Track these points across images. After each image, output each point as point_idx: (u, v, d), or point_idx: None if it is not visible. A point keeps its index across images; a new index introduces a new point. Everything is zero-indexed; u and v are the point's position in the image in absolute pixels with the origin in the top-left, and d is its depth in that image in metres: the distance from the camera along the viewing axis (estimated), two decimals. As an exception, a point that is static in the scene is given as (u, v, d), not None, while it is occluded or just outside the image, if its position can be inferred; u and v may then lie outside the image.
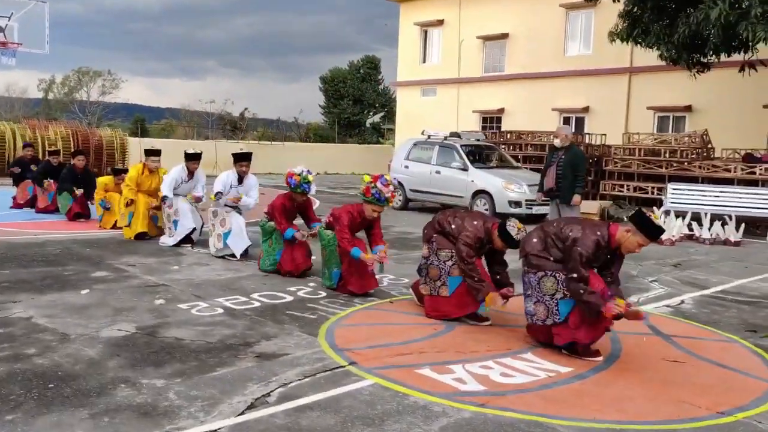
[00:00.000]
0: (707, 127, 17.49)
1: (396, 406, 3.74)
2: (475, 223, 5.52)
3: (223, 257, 8.10)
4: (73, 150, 13.01)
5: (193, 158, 8.91)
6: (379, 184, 6.31)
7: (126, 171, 10.76)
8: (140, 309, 5.64)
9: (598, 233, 4.61)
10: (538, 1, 24.72)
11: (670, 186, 12.67)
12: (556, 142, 8.67)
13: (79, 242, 8.94)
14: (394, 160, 14.90)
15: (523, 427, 3.52)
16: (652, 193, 14.20)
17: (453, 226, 5.60)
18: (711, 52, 14.37)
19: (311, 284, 6.81)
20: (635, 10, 15.94)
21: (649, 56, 21.08)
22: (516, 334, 5.25)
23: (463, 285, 5.45)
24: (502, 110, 25.86)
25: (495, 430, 3.47)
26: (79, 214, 10.99)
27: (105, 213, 10.30)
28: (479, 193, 12.53)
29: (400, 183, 14.02)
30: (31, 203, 12.59)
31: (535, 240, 4.89)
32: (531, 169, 14.41)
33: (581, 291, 4.47)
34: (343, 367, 4.37)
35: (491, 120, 26.53)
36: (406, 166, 14.28)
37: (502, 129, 23.00)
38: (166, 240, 8.92)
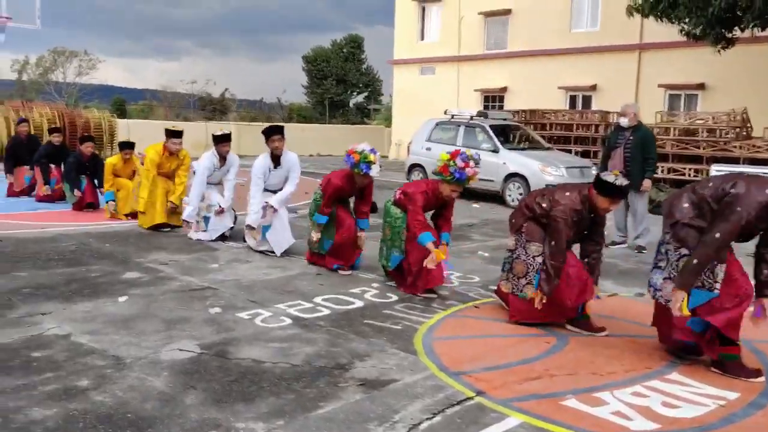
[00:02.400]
0: (722, 106, 16.88)
1: (568, 455, 3.00)
2: (568, 194, 4.80)
3: (262, 252, 7.27)
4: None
5: (223, 140, 7.99)
6: (459, 161, 5.57)
7: (132, 144, 9.86)
8: (196, 320, 4.82)
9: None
10: (542, -24, 23.87)
11: (714, 168, 12.03)
12: (623, 122, 7.90)
13: (94, 236, 8.04)
14: (414, 142, 14.07)
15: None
16: (689, 174, 13.55)
17: (544, 205, 4.87)
18: (744, 27, 13.70)
19: (374, 284, 6.02)
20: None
21: (660, 32, 20.42)
22: (643, 347, 4.52)
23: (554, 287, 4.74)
24: (505, 89, 25.07)
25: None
26: (91, 204, 10.06)
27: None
28: (512, 176, 11.76)
29: (421, 166, 13.28)
30: (29, 191, 11.60)
31: (686, 205, 4.08)
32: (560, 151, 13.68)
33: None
34: (472, 398, 3.60)
35: (493, 99, 25.74)
36: (428, 148, 13.46)
37: (513, 108, 22.22)
38: (199, 235, 8.01)
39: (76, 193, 10.01)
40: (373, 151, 6.19)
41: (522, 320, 4.91)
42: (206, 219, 7.97)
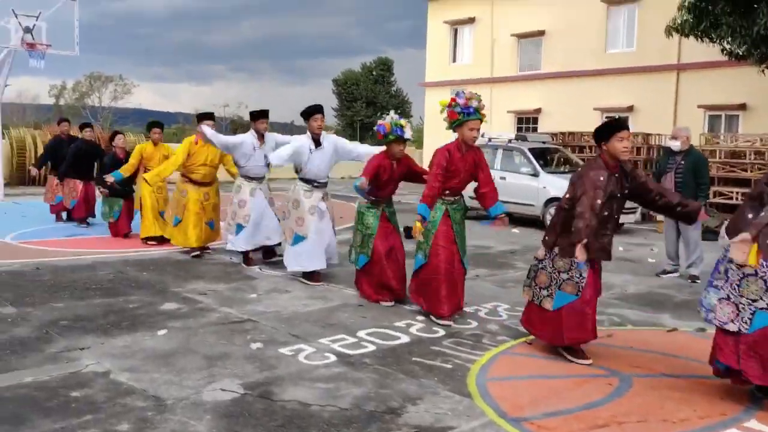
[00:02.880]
0: (764, 127, 16.37)
1: None
2: (592, 174, 4.54)
3: (301, 281, 7.08)
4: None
5: (260, 116, 7.82)
6: (459, 99, 5.45)
7: (161, 124, 9.79)
8: (237, 356, 4.63)
9: None
10: (576, -3, 23.66)
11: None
12: (674, 145, 7.60)
13: (131, 264, 7.94)
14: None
15: None
16: (736, 198, 13.10)
17: (568, 195, 4.68)
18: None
19: (419, 317, 5.78)
20: (701, 3, 14.85)
21: (698, 52, 20.02)
22: (713, 389, 4.20)
23: (572, 306, 4.56)
24: (539, 110, 24.79)
25: None
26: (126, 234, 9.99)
27: (142, 219, 9.32)
28: (553, 200, 11.45)
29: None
30: (62, 209, 11.53)
31: (750, 215, 3.89)
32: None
33: None
34: (537, 448, 3.34)
35: (527, 120, 25.46)
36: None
37: (547, 130, 21.91)
38: (234, 242, 7.84)
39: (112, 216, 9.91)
40: (399, 117, 6.19)
41: (528, 330, 5.00)
42: (239, 227, 7.73)
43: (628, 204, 11.24)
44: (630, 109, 22.57)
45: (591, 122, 22.67)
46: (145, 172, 9.20)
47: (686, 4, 15.29)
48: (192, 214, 8.29)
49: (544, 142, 13.33)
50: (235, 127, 48.50)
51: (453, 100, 5.52)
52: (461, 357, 4.75)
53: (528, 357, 4.85)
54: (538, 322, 4.82)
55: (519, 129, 25.38)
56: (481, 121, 5.57)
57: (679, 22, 15.94)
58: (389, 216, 6.47)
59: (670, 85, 21.82)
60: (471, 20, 26.97)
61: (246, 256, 7.94)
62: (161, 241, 9.22)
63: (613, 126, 4.72)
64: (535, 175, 11.79)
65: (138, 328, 5.29)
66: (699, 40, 15.95)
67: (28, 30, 14.08)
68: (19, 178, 20.56)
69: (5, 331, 5.11)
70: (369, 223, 6.34)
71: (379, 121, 6.24)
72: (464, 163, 5.60)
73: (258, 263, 7.96)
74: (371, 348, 4.90)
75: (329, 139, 7.13)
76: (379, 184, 6.27)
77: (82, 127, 11.59)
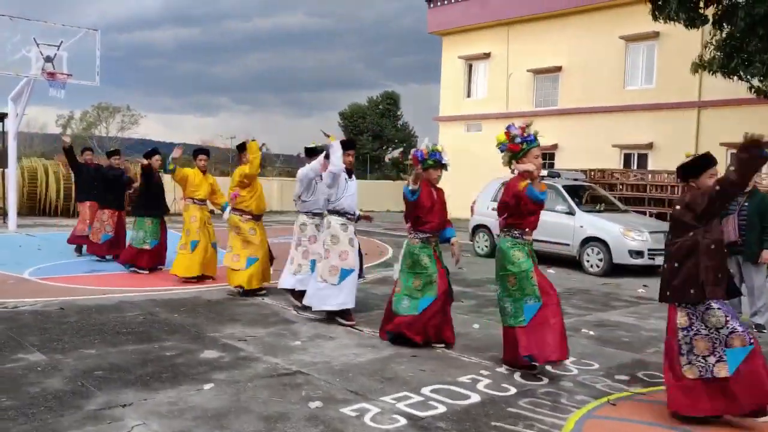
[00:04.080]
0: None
1: None
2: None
3: (339, 321, 6.66)
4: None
5: (313, 153, 7.45)
6: (513, 130, 5.22)
7: (207, 150, 9.44)
8: (296, 417, 4.17)
9: None
10: (594, 33, 23.56)
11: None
12: (737, 187, 7.19)
13: (160, 304, 7.50)
14: (478, 202, 13.47)
15: None
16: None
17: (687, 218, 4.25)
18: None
19: (483, 371, 5.31)
20: (731, 41, 14.63)
21: (720, 89, 19.79)
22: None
23: (754, 360, 4.02)
24: (555, 146, 24.57)
25: None
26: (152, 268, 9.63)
27: (181, 254, 8.85)
28: (590, 240, 11.05)
29: (486, 227, 12.65)
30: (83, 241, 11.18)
31: None
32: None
33: None
34: None
35: (543, 156, 25.01)
36: (494, 209, 12.79)
37: (563, 166, 21.60)
38: (290, 281, 7.46)
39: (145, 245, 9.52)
40: (435, 144, 5.99)
41: (683, 413, 4.18)
42: (313, 264, 7.12)
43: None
44: (649, 146, 22.30)
45: (610, 159, 22.47)
46: (193, 202, 8.90)
47: (713, 41, 15.10)
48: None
49: (575, 179, 12.96)
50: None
51: (508, 134, 5.26)
52: (544, 422, 4.28)
53: (617, 421, 4.38)
54: (720, 393, 4.11)
55: (535, 165, 25.14)
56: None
57: (706, 59, 15.76)
58: (439, 257, 6.07)
59: (690, 122, 21.58)
60: (486, 56, 26.89)
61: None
62: (201, 279, 8.84)
63: (705, 162, 4.36)
64: (571, 213, 11.39)
65: (180, 380, 4.84)
66: (727, 78, 15.74)
67: (49, 59, 13.84)
68: (29, 207, 20.23)
69: (37, 383, 4.66)
70: (427, 264, 5.93)
71: (416, 148, 6.04)
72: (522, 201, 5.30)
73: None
74: (441, 409, 4.44)
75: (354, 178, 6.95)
76: (425, 211, 5.92)
77: (109, 154, 11.38)
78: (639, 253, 10.69)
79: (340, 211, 6.70)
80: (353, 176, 6.89)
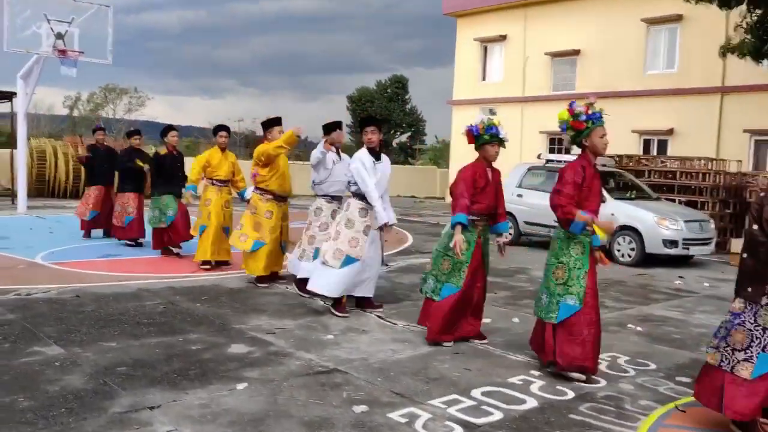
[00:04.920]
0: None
1: None
2: None
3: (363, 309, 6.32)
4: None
5: (336, 128, 7.13)
6: (576, 108, 4.78)
7: (227, 127, 8.87)
8: (341, 423, 3.80)
9: None
10: (614, 16, 22.97)
11: None
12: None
13: (180, 292, 7.14)
14: (504, 189, 12.99)
15: None
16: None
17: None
18: None
19: (533, 371, 4.93)
20: (764, 24, 14.12)
21: (745, 74, 19.28)
22: None
23: None
24: (572, 131, 24.01)
25: None
26: (167, 249, 9.29)
27: (203, 238, 8.42)
28: (622, 229, 10.61)
29: (512, 214, 12.23)
30: (92, 225, 10.83)
31: None
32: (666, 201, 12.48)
33: None
34: None
35: (559, 141, 24.73)
36: (519, 195, 12.39)
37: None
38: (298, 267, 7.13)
39: (161, 223, 9.15)
40: (491, 113, 5.35)
41: (715, 407, 3.82)
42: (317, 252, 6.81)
43: (703, 234, 10.42)
44: (670, 132, 21.79)
45: (628, 145, 21.96)
46: (212, 183, 8.48)
47: (744, 24, 14.58)
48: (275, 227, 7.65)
49: (604, 165, 12.50)
50: (247, 142, 47.92)
51: (571, 111, 4.82)
52: (611, 430, 3.90)
53: (692, 431, 4.00)
54: (738, 395, 3.72)
55: (551, 150, 24.65)
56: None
57: (735, 42, 15.24)
58: (483, 244, 5.60)
59: (713, 108, 21.03)
60: (502, 38, 26.32)
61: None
62: (218, 265, 8.48)
63: None
64: (602, 200, 10.93)
65: (210, 378, 4.47)
66: (758, 62, 15.23)
67: (60, 36, 13.38)
68: (38, 189, 19.90)
69: (56, 380, 4.30)
70: (463, 249, 5.44)
71: (470, 123, 5.53)
72: (597, 181, 4.85)
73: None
74: (497, 415, 4.05)
75: (385, 157, 6.51)
76: (476, 193, 5.41)
77: (129, 134, 11.03)
78: (673, 243, 10.26)
79: (361, 195, 6.29)
80: (382, 159, 6.46)
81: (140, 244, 10.23)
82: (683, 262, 11.05)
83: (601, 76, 23.33)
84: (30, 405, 3.87)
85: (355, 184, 6.31)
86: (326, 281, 6.20)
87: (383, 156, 6.49)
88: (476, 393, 4.41)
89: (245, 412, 3.91)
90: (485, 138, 5.41)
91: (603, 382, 4.74)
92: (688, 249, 10.26)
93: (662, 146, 22.51)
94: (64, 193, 20.26)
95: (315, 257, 6.74)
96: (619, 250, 10.75)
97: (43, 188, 20.26)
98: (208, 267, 8.41)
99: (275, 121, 7.64)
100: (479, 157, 5.53)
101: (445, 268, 5.50)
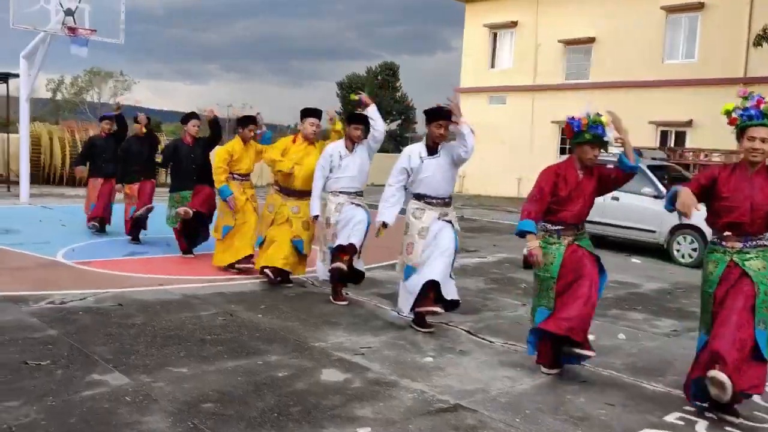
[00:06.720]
0: None
1: None
2: None
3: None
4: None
5: (357, 121, 6.44)
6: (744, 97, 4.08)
7: (253, 118, 7.88)
8: (513, 489, 3.04)
9: None
10: (632, 3, 22.32)
11: None
12: None
13: (231, 299, 6.34)
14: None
15: None
16: None
17: None
18: None
19: (687, 407, 4.20)
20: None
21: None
22: None
23: None
24: (586, 122, 23.36)
25: None
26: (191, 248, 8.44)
27: (221, 242, 7.61)
28: (681, 227, 9.94)
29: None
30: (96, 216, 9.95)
31: None
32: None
33: None
34: None
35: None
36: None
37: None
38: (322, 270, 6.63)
39: (184, 211, 8.10)
40: (598, 113, 4.54)
41: None
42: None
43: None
44: (689, 123, 21.25)
45: (644, 137, 21.33)
46: (232, 177, 7.57)
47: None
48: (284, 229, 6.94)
49: (653, 158, 11.81)
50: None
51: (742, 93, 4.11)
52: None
53: None
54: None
55: (563, 140, 24.00)
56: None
57: (774, 31, 14.69)
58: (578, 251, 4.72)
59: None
60: (513, 24, 25.59)
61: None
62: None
63: None
64: (659, 197, 10.22)
65: (320, 419, 3.69)
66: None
67: (69, 12, 12.36)
68: (33, 176, 18.84)
69: (134, 423, 3.49)
70: (549, 263, 4.60)
71: (573, 115, 4.60)
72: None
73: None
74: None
75: (447, 147, 5.62)
76: (559, 201, 4.56)
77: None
78: (741, 243, 9.59)
79: (417, 194, 5.63)
80: (440, 152, 5.59)
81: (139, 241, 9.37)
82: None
83: (617, 65, 22.70)
84: (116, 462, 3.07)
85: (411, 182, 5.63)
86: (400, 300, 5.68)
87: (442, 150, 5.62)
88: (640, 439, 3.68)
89: (387, 472, 3.14)
90: (586, 137, 4.55)
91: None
92: (754, 249, 9.63)
93: (680, 138, 21.98)
94: (60, 180, 19.25)
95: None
96: (678, 251, 10.08)
97: (38, 174, 19.22)
98: (234, 270, 7.55)
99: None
100: (573, 155, 4.68)
101: (536, 289, 4.73)
